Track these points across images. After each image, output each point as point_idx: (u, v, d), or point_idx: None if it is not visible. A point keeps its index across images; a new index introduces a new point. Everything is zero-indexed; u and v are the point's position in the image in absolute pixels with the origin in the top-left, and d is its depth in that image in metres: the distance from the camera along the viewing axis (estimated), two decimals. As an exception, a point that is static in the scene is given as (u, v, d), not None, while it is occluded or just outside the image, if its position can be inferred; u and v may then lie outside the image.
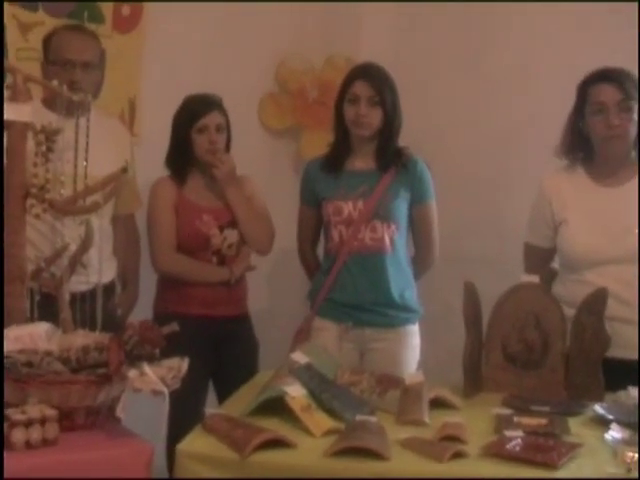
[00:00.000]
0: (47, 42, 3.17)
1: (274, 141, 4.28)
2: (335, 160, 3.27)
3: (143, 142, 3.68)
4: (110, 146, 3.07)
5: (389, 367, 3.04)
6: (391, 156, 3.22)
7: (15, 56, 3.46)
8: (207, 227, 3.27)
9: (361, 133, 3.21)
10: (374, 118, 3.18)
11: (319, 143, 4.14)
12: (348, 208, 3.18)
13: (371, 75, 3.19)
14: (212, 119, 3.27)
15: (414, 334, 3.26)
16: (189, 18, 3.86)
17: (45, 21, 3.51)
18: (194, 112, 3.27)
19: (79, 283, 2.75)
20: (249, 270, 3.38)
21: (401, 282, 3.21)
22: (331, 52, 4.18)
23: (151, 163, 3.37)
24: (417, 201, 3.26)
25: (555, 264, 3.14)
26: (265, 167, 4.06)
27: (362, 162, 3.26)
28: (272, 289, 4.18)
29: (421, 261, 3.35)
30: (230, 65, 3.98)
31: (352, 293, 3.19)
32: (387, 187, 3.19)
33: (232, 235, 3.31)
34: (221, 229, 3.29)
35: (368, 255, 3.18)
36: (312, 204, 3.31)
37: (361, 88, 3.17)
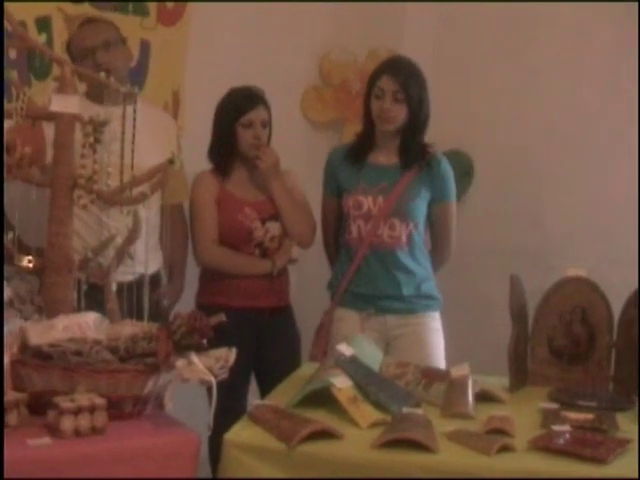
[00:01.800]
0: (68, 47, 3.21)
1: (317, 134, 4.27)
2: (359, 152, 3.26)
3: (187, 134, 3.69)
4: (156, 137, 3.09)
5: (417, 351, 3.09)
6: (415, 153, 3.21)
7: (61, 48, 3.48)
8: (249, 220, 3.28)
9: (385, 128, 3.19)
10: (398, 113, 3.15)
11: (362, 136, 4.18)
12: (368, 203, 3.18)
13: (397, 70, 3.17)
14: (257, 114, 3.27)
15: (436, 319, 3.26)
16: (233, 11, 3.87)
17: (90, 14, 3.53)
18: (239, 107, 3.27)
19: (125, 273, 2.78)
20: (291, 263, 3.38)
21: (419, 276, 3.21)
22: (374, 45, 4.17)
23: (195, 155, 3.38)
24: (437, 200, 3.24)
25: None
26: (307, 160, 4.05)
27: (385, 157, 3.24)
28: (309, 281, 4.17)
29: (437, 257, 3.34)
30: (273, 58, 3.98)
31: (371, 286, 3.20)
32: (408, 185, 3.19)
33: (274, 228, 3.31)
34: (263, 222, 3.30)
35: (386, 251, 3.18)
36: (335, 193, 3.31)
37: (386, 83, 3.15)
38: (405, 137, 3.21)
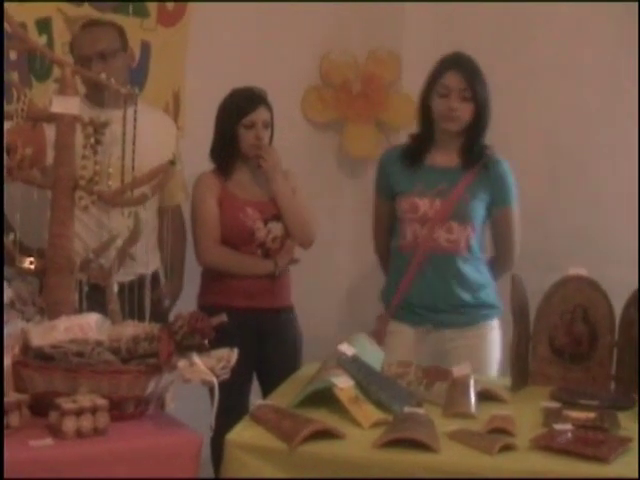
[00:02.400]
0: (71, 47, 3.22)
1: (317, 134, 4.26)
2: (415, 153, 3.16)
3: (187, 135, 3.69)
4: (156, 138, 3.08)
5: (472, 365, 2.89)
6: (477, 154, 3.12)
7: (61, 50, 3.49)
8: (251, 220, 3.28)
9: (450, 128, 3.09)
10: (465, 112, 3.06)
11: (362, 136, 4.20)
12: (424, 206, 3.09)
13: (463, 66, 3.08)
14: (259, 115, 3.27)
15: (493, 329, 3.16)
16: (233, 12, 3.86)
17: (91, 15, 3.53)
18: (241, 108, 3.27)
19: (124, 274, 2.77)
20: (293, 263, 3.37)
21: (477, 283, 3.12)
22: (374, 45, 4.17)
23: (195, 156, 3.38)
24: (497, 204, 3.15)
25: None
26: (308, 160, 4.06)
27: (443, 158, 3.14)
28: (310, 282, 4.18)
29: (500, 263, 3.24)
30: (273, 59, 3.98)
31: (428, 295, 3.11)
32: (467, 187, 3.09)
33: (276, 228, 3.31)
34: (265, 222, 3.30)
35: (443, 256, 3.10)
36: (387, 198, 3.20)
37: (453, 80, 3.06)
38: (469, 137, 3.11)
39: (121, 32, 3.22)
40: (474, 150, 3.11)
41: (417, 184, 3.11)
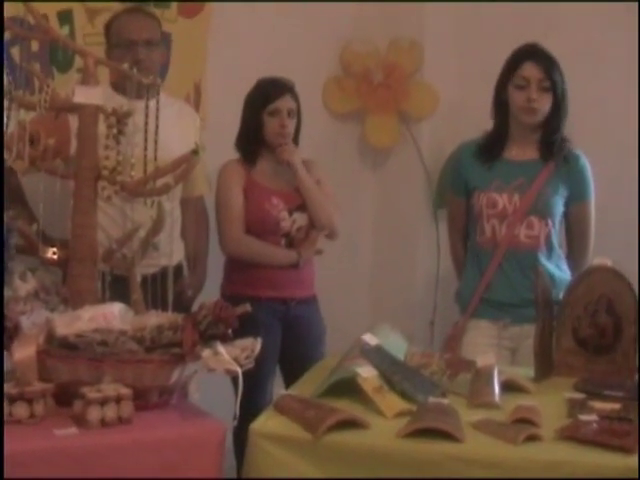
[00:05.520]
0: (109, 27, 3.21)
1: (338, 125, 4.25)
2: (492, 148, 3.12)
3: (208, 126, 3.69)
4: (178, 129, 3.08)
5: None
6: (557, 147, 3.07)
7: (83, 41, 3.51)
8: (277, 210, 3.27)
9: (530, 120, 3.06)
10: (544, 104, 3.02)
11: (383, 126, 4.18)
12: (503, 201, 3.06)
13: (540, 56, 3.03)
14: (284, 103, 3.26)
15: None
16: (253, 2, 3.86)
17: (112, 7, 3.53)
18: (267, 95, 3.27)
19: (147, 266, 2.77)
20: (317, 254, 3.36)
21: (558, 279, 3.03)
22: (395, 35, 4.15)
23: (216, 148, 3.38)
24: (576, 199, 3.11)
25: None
26: (329, 151, 4.05)
27: (520, 151, 3.12)
28: (332, 273, 4.18)
29: (575, 259, 3.18)
30: (294, 49, 3.97)
31: (508, 292, 3.08)
32: (547, 181, 3.06)
33: (301, 218, 3.30)
34: (290, 212, 3.28)
35: (523, 252, 3.07)
36: (462, 194, 3.19)
37: (531, 71, 3.02)
38: (548, 129, 3.06)
39: (160, 25, 3.23)
40: (554, 143, 3.07)
41: (495, 179, 3.08)
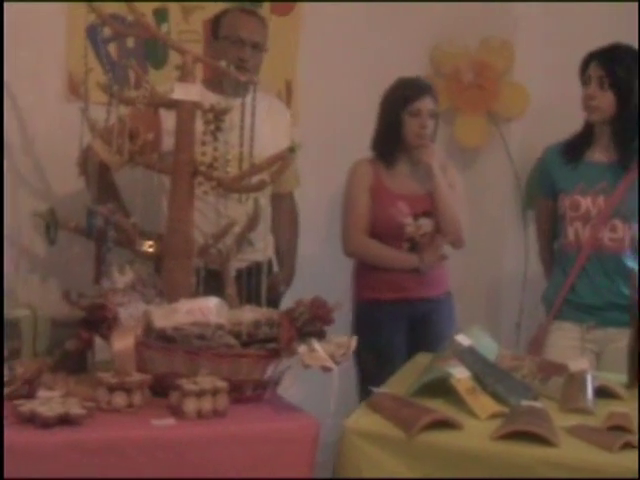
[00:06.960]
0: (218, 20, 3.21)
1: (428, 124, 4.23)
2: (575, 149, 3.11)
3: (298, 125, 3.71)
4: (269, 123, 3.10)
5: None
6: (634, 148, 3.03)
7: (178, 39, 3.54)
8: (402, 215, 3.25)
9: (590, 118, 3.05)
10: (603, 101, 3.00)
11: (473, 126, 4.15)
12: (586, 204, 3.04)
13: (604, 55, 3.02)
14: (425, 104, 3.26)
15: None
16: (344, 2, 3.87)
17: (205, 5, 3.58)
18: (408, 95, 3.27)
19: (241, 260, 2.80)
20: (442, 260, 3.31)
21: None
22: (486, 34, 4.11)
23: (306, 146, 3.39)
24: None
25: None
26: (418, 151, 4.04)
27: (603, 153, 3.09)
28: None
29: None
30: (384, 49, 3.96)
31: (592, 295, 3.05)
32: (631, 183, 3.02)
33: (426, 224, 3.27)
34: (415, 217, 3.26)
35: (607, 256, 3.04)
36: (550, 196, 3.17)
37: (593, 69, 3.02)
38: (617, 130, 3.04)
39: (268, 33, 3.24)
40: (629, 144, 3.03)
41: (579, 182, 3.06)
